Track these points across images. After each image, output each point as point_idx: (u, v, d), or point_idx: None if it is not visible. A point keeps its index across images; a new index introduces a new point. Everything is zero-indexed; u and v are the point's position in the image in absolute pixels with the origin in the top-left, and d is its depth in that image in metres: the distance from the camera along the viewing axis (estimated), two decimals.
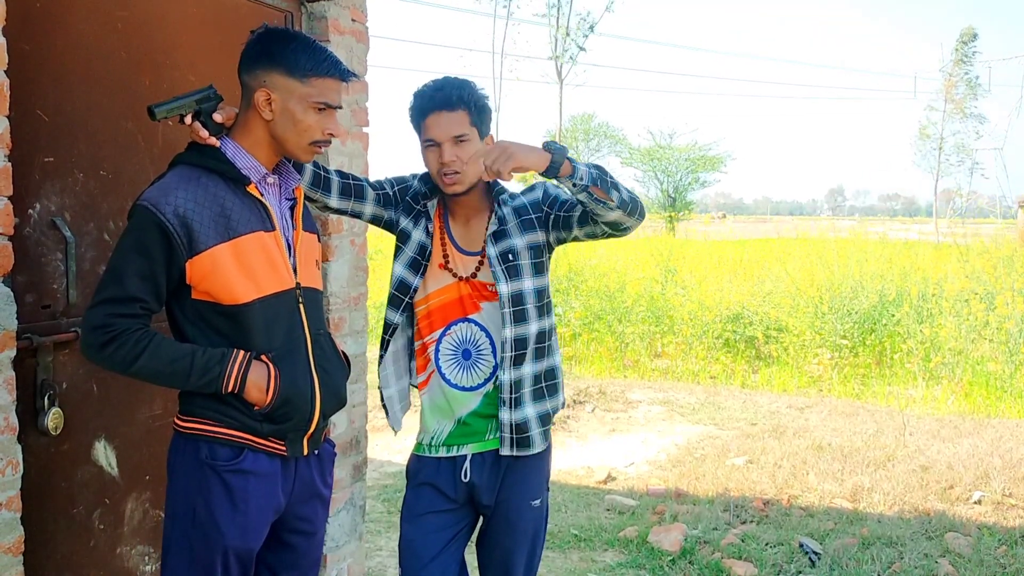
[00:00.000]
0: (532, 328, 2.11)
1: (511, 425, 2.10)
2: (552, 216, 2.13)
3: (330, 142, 1.89)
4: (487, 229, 2.12)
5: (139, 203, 1.72)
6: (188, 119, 1.80)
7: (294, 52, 1.79)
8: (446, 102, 2.04)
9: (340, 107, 1.86)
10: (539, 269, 2.14)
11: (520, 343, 2.09)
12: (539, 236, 2.14)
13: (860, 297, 8.76)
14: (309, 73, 1.79)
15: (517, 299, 2.09)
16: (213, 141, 1.81)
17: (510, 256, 2.09)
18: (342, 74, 1.84)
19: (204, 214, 1.73)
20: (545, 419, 2.16)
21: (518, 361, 2.10)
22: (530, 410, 2.12)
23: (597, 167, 1.95)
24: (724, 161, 35.34)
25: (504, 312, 2.08)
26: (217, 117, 1.82)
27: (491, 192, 2.16)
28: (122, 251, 1.71)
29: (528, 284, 2.10)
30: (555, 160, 1.87)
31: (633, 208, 2.00)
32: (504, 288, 2.08)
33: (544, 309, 2.15)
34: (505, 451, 2.11)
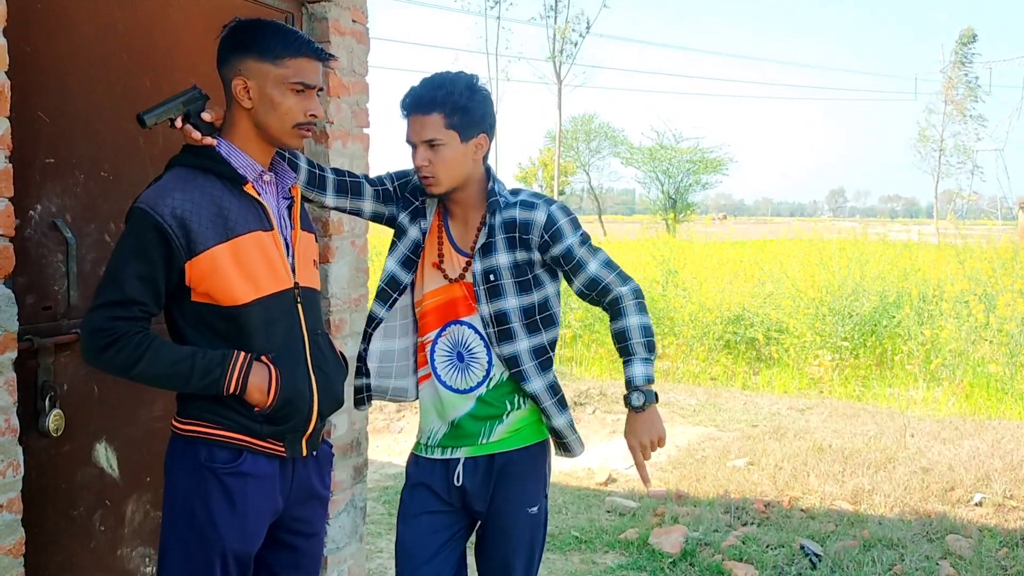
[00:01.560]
0: (522, 345, 2.06)
1: (507, 359, 2.09)
2: (551, 257, 2.07)
3: (315, 124, 1.86)
4: (476, 238, 2.08)
5: (136, 205, 1.72)
6: (179, 122, 1.79)
7: (263, 36, 1.78)
8: (419, 105, 2.01)
9: (321, 88, 1.84)
10: (525, 287, 2.07)
11: (512, 361, 2.06)
12: (528, 255, 2.06)
13: (861, 299, 8.75)
14: (282, 54, 1.77)
15: (501, 318, 2.05)
16: (209, 141, 1.80)
17: (491, 276, 2.05)
18: (316, 53, 1.82)
19: (202, 215, 1.72)
20: (554, 390, 2.11)
21: (517, 379, 2.07)
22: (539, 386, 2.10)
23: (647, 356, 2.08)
24: (725, 164, 35.31)
25: (489, 332, 2.06)
26: (206, 116, 1.81)
27: (487, 192, 2.11)
28: (120, 254, 1.70)
29: (512, 303, 2.05)
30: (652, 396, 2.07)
31: None
32: (485, 309, 2.06)
33: (537, 325, 2.08)
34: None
